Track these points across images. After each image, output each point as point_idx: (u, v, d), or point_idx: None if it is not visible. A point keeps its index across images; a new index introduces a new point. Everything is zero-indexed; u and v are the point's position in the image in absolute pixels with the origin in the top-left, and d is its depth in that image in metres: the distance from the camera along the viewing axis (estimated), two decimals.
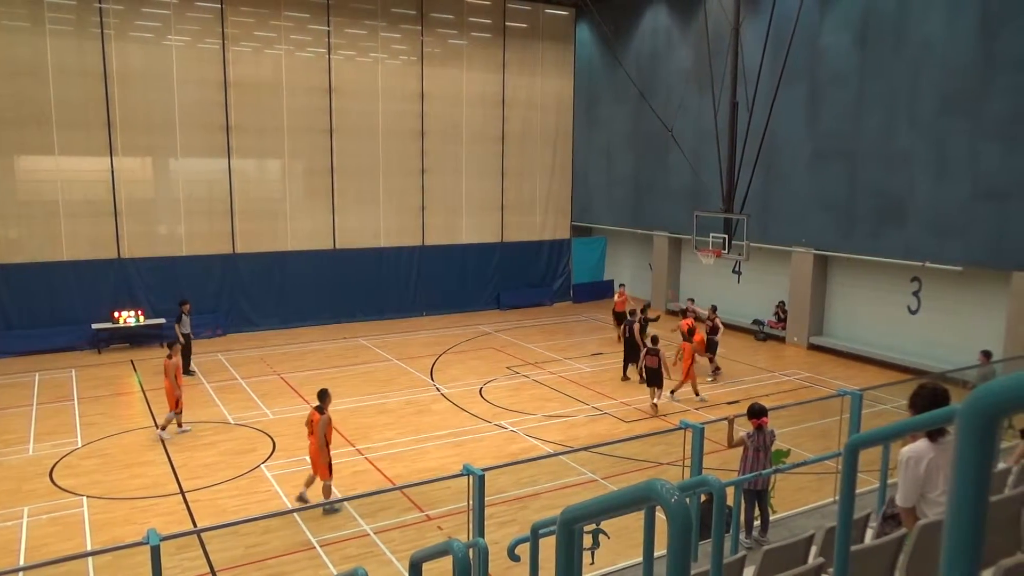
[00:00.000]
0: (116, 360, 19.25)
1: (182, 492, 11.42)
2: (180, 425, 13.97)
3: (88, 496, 11.23)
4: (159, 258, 21.34)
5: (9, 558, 9.43)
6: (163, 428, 13.74)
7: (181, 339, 17.43)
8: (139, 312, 20.53)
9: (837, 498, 5.56)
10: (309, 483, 10.92)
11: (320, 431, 10.59)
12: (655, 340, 15.62)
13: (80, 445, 13.34)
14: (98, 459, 12.73)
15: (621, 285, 22.79)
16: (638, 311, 18.45)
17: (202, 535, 9.65)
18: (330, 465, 10.77)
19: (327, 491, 10.79)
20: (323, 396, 10.93)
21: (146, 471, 12.22)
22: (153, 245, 21.36)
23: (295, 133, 22.90)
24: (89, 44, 19.92)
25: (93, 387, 16.91)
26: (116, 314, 20.23)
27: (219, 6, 21.37)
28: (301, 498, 10.83)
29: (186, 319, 17.63)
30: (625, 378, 17.60)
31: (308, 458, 11.16)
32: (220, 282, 22.10)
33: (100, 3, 19.92)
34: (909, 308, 18.78)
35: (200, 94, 21.40)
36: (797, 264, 20.79)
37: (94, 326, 20.02)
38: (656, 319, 19.82)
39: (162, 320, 20.66)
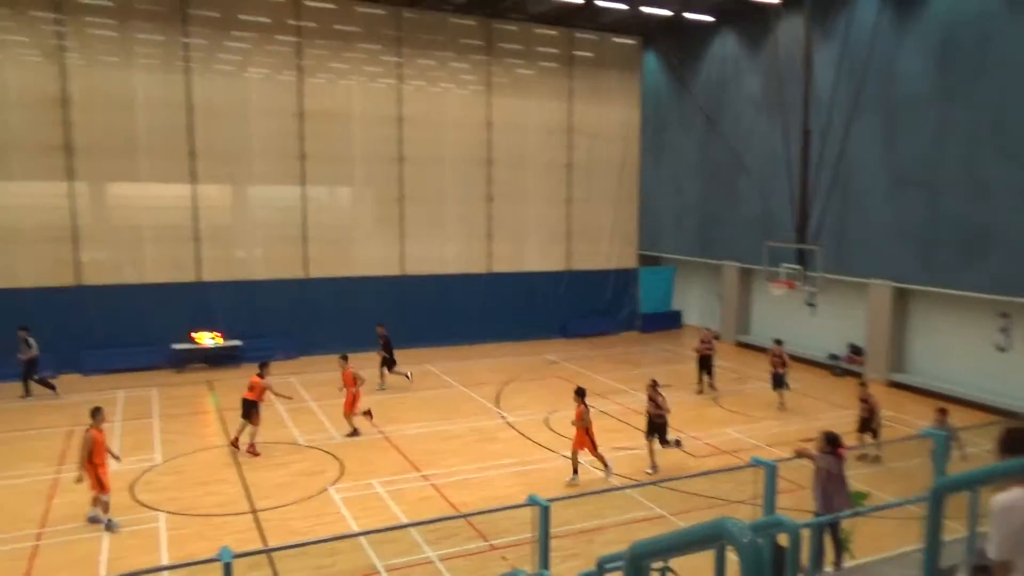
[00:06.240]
0: (194, 380, 19.93)
1: (254, 511, 11.69)
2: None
3: (165, 512, 11.60)
4: (236, 282, 22.11)
5: (91, 569, 9.80)
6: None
7: (24, 364, 17.56)
8: (217, 334, 21.27)
9: (922, 545, 5.29)
10: (95, 503, 11.11)
11: (84, 447, 10.87)
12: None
13: (159, 462, 13.83)
14: (175, 476, 13.16)
15: (343, 357, 16.22)
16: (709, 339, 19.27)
17: (272, 554, 9.84)
18: (100, 479, 10.92)
19: (104, 506, 11.02)
20: (94, 413, 11.23)
21: (220, 489, 12.56)
22: (231, 269, 22.16)
23: (366, 161, 23.51)
24: (174, 77, 20.97)
25: (172, 405, 17.53)
26: (195, 335, 21.02)
27: (296, 40, 22.23)
28: (93, 519, 11.04)
29: (25, 345, 17.59)
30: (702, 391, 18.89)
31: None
32: (294, 305, 22.71)
33: (185, 38, 21.00)
34: (997, 345, 17.86)
35: (276, 124, 22.23)
36: (875, 297, 20.04)
37: (174, 346, 20.81)
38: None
39: (239, 342, 21.32)
